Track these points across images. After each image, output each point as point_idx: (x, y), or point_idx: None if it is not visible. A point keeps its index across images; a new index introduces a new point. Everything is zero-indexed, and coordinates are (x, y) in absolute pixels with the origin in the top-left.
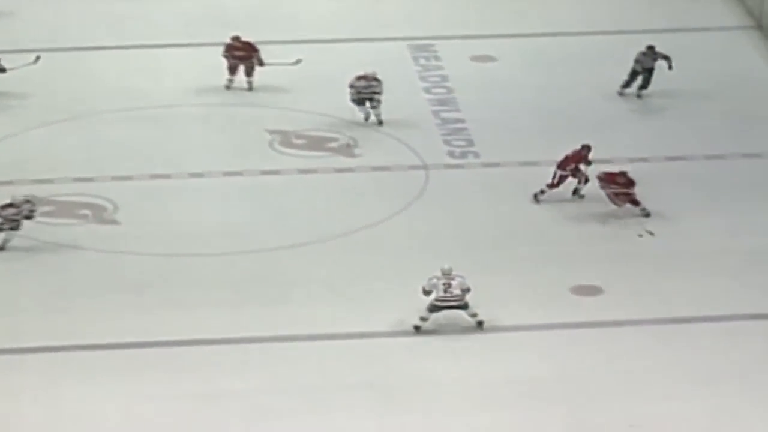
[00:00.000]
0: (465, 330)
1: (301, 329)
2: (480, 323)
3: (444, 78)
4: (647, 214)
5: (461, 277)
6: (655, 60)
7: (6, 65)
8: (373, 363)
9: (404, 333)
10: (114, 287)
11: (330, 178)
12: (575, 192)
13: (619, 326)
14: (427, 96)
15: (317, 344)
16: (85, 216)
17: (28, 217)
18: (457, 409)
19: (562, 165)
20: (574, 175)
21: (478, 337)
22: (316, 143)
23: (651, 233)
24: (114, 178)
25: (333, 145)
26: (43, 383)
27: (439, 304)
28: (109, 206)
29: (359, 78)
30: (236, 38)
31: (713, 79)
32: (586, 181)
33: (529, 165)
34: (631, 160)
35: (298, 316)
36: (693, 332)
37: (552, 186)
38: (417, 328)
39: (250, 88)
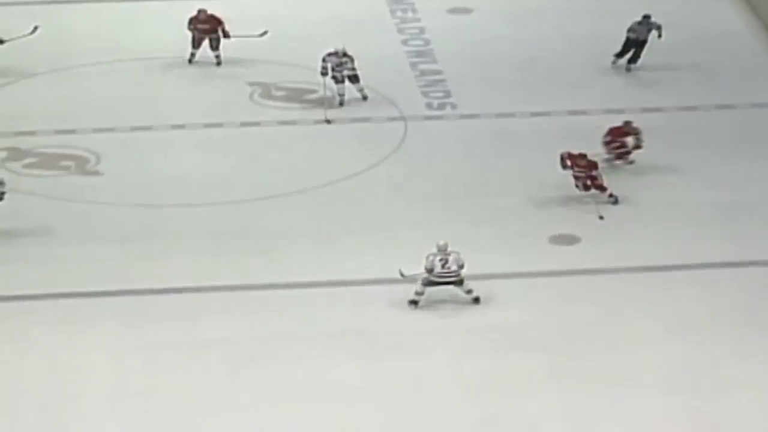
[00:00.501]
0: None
1: (284, 278)
2: (476, 299)
3: (421, 30)
4: (615, 201)
5: (456, 252)
6: (649, 31)
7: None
8: (356, 311)
9: (385, 281)
10: (97, 237)
11: (310, 129)
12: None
13: (597, 274)
14: (405, 48)
15: (300, 292)
16: (68, 167)
17: None
18: (439, 356)
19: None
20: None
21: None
22: (296, 95)
23: (601, 217)
24: (96, 130)
25: (312, 96)
26: (26, 332)
27: (436, 279)
28: (92, 158)
29: (330, 54)
30: (202, 11)
31: (687, 32)
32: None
33: (505, 116)
34: (607, 112)
35: (281, 265)
36: (667, 280)
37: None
38: (414, 303)
39: (219, 63)
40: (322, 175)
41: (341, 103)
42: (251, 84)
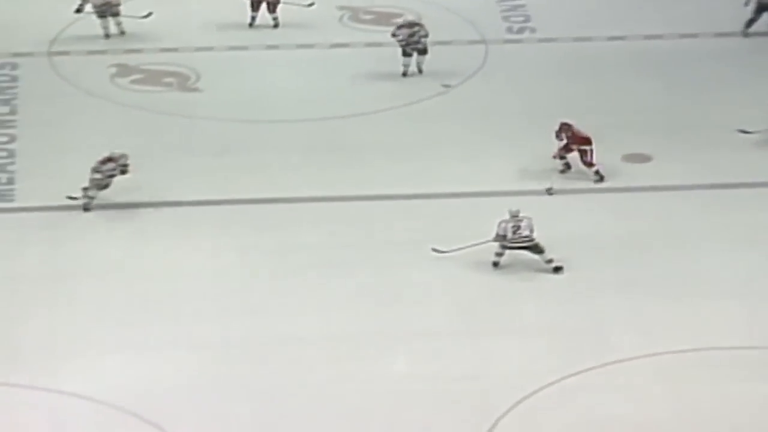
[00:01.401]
0: (514, 193)
1: (370, 190)
2: (557, 268)
3: None
4: (600, 178)
5: (528, 218)
6: None
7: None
8: (437, 222)
9: (463, 194)
10: (196, 151)
11: (395, 51)
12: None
13: (667, 191)
14: None
15: (384, 204)
16: (170, 84)
17: (123, 172)
18: (517, 262)
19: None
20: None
21: (535, 199)
22: (383, 18)
23: (551, 192)
24: (196, 49)
25: (398, 20)
26: (132, 237)
27: (510, 245)
28: (192, 75)
29: (400, 27)
30: None
31: None
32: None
33: (583, 40)
34: (681, 36)
35: (366, 178)
36: (736, 197)
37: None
38: (495, 264)
39: (276, 26)
40: (406, 94)
41: (405, 74)
42: (341, 8)
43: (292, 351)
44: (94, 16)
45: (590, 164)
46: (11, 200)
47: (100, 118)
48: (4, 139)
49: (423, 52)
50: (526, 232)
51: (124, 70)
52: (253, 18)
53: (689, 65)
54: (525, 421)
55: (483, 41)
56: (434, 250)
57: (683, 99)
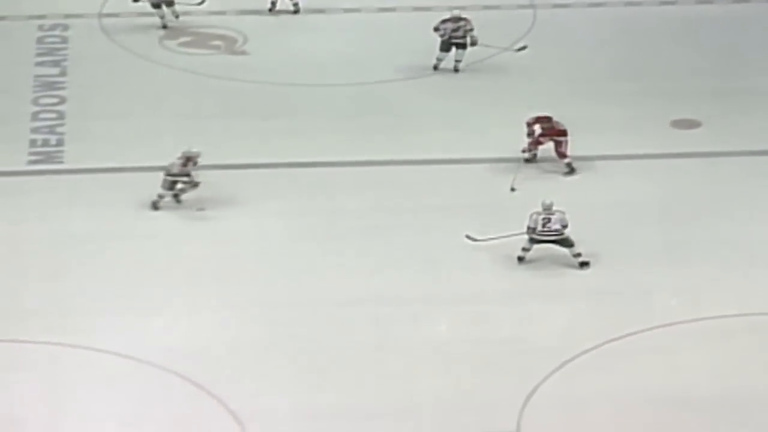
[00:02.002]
0: (573, 157)
1: (414, 154)
2: (584, 263)
3: None
4: (571, 171)
5: (561, 212)
6: None
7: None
8: (480, 187)
9: (507, 160)
10: (241, 114)
11: (442, 16)
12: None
13: (715, 157)
14: None
15: (428, 168)
16: (217, 47)
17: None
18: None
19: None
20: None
21: (583, 164)
22: None
23: (513, 189)
24: (243, 12)
25: (445, 15)
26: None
27: (538, 237)
28: (239, 38)
29: (445, 21)
30: None
31: None
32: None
33: (633, 5)
34: (733, 2)
35: (412, 142)
36: None
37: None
38: (520, 259)
39: (296, 11)
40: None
41: (436, 67)
42: None
43: (334, 313)
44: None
45: (564, 155)
46: (60, 162)
47: (148, 81)
48: (54, 100)
49: (463, 46)
50: (556, 226)
51: (172, 32)
52: (273, 4)
53: (739, 30)
54: (566, 385)
55: (531, 6)
56: (468, 237)
57: (733, 64)
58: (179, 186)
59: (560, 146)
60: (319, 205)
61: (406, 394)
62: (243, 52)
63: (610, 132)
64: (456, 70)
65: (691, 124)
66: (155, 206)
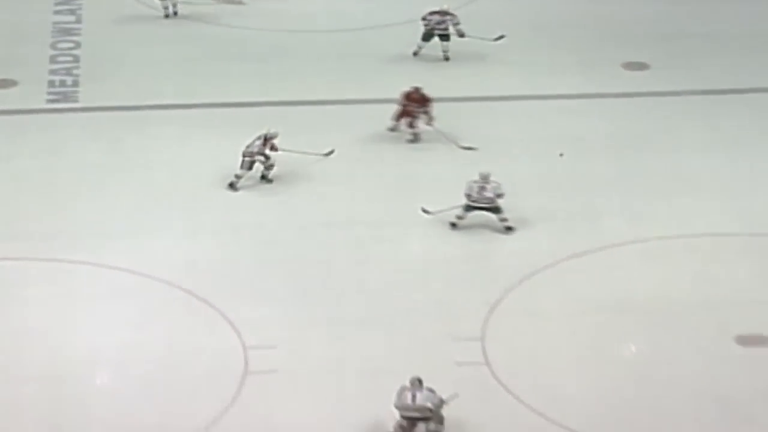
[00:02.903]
0: (526, 97)
1: (394, 94)
2: (509, 228)
3: None
4: (414, 138)
5: (497, 182)
6: None
7: None
8: (453, 123)
9: (471, 99)
10: (239, 57)
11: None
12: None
13: (662, 96)
14: None
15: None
16: None
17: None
18: (524, 160)
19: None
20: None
21: (537, 104)
22: None
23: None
24: None
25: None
26: (181, 135)
27: (472, 204)
28: None
29: (432, 13)
30: None
31: None
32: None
33: None
34: None
35: (393, 83)
36: (723, 102)
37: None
38: (453, 225)
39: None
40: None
41: (415, 53)
42: None
43: (319, 234)
44: None
45: (412, 124)
46: (75, 101)
47: (155, 28)
48: (70, 45)
49: (447, 38)
50: (490, 194)
51: None
52: None
53: None
54: (525, 297)
55: None
56: (423, 210)
57: (678, 12)
58: (258, 166)
59: (415, 116)
60: (307, 141)
61: (383, 304)
62: (240, 2)
63: (565, 74)
64: (446, 59)
65: (641, 67)
66: (233, 187)
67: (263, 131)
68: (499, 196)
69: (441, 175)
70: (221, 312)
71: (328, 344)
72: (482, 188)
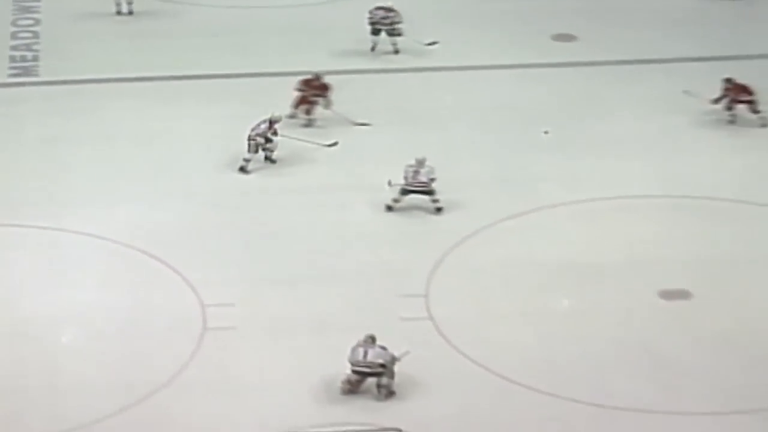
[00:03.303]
0: (461, 68)
1: (340, 66)
2: (438, 209)
3: None
4: (308, 123)
5: (431, 167)
6: None
7: None
8: (392, 93)
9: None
10: (195, 32)
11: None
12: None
13: (590, 66)
14: None
15: (355, 77)
16: None
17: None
18: (459, 128)
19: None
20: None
21: (474, 74)
22: None
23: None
24: None
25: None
26: (136, 107)
27: (407, 188)
28: None
29: (378, 8)
30: None
31: None
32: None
33: None
34: None
35: (342, 55)
36: (646, 71)
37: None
38: (389, 208)
39: None
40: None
41: (372, 49)
42: None
43: (273, 200)
44: None
45: (309, 111)
46: (36, 75)
47: (113, 5)
48: (30, 21)
49: (392, 34)
50: (423, 178)
51: None
52: None
53: None
54: (467, 256)
55: None
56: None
57: None
58: (264, 148)
59: (310, 103)
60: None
61: (333, 264)
62: None
63: (497, 47)
64: (396, 52)
65: (569, 38)
66: (244, 170)
67: (268, 115)
68: (432, 180)
69: (383, 145)
70: (180, 273)
71: (283, 302)
72: (416, 172)
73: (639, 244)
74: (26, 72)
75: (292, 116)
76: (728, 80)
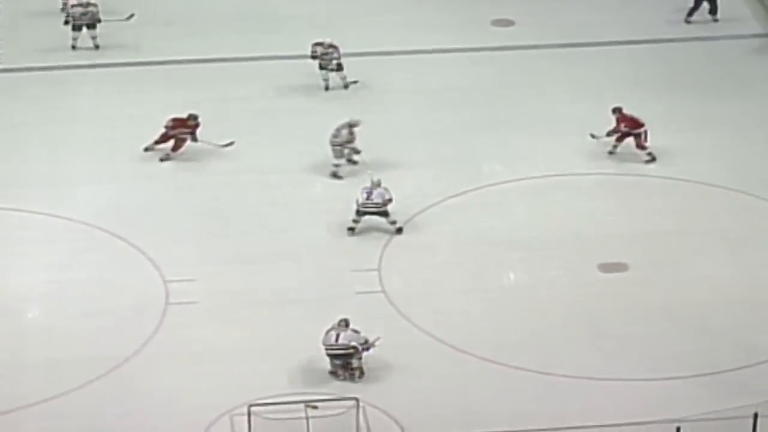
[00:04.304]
0: (405, 52)
1: (290, 51)
2: (399, 230)
3: None
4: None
5: (385, 189)
6: None
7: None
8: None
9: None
10: (147, 22)
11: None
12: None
13: (529, 49)
14: None
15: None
16: None
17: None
18: (408, 108)
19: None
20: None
21: (416, 57)
22: None
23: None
24: None
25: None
26: (96, 92)
27: (361, 209)
28: None
29: (316, 44)
30: None
31: None
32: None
33: None
34: None
35: (290, 38)
36: (584, 54)
37: (157, 143)
38: (351, 230)
39: None
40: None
41: (326, 88)
42: None
43: (228, 180)
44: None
45: (178, 147)
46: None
47: None
48: None
49: (335, 69)
50: (378, 200)
51: None
52: None
53: None
54: (415, 232)
55: None
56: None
57: None
58: (346, 152)
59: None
60: (217, 94)
61: (290, 241)
62: None
63: (439, 31)
64: (345, 87)
65: (507, 23)
66: (336, 176)
67: (346, 119)
68: (388, 201)
69: (332, 126)
70: (141, 250)
71: (242, 278)
72: (370, 194)
73: (578, 219)
74: None
75: (147, 149)
76: (617, 110)
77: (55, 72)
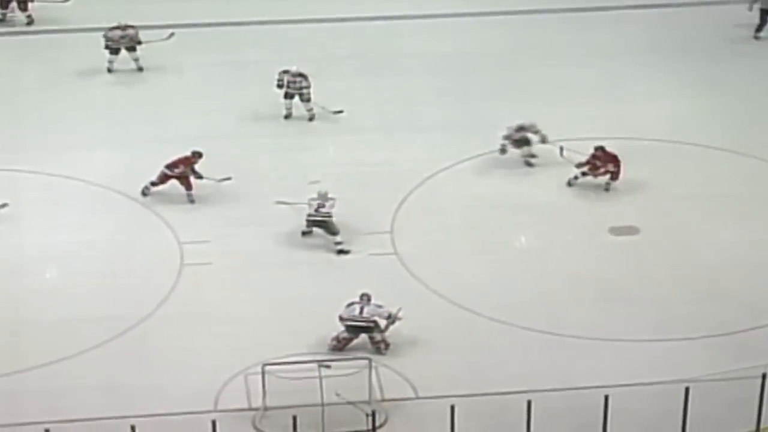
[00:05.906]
0: (424, 16)
1: (305, 15)
2: (342, 251)
3: None
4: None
5: (333, 199)
6: None
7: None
8: (341, 43)
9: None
10: None
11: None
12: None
13: (534, 14)
14: None
15: (318, 26)
16: None
17: None
18: (419, 74)
19: (170, 166)
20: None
21: (436, 22)
22: None
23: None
24: None
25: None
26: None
27: (309, 219)
28: None
29: (284, 71)
30: None
31: None
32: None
33: None
34: None
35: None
36: (595, 19)
37: (155, 184)
38: (304, 233)
39: None
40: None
41: (287, 116)
42: None
43: (243, 143)
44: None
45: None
46: (12, 25)
47: None
48: None
49: (303, 100)
50: (328, 211)
51: None
52: None
53: None
54: (428, 195)
55: None
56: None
57: None
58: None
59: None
60: (229, 59)
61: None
62: None
63: None
64: (311, 119)
65: None
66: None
67: (519, 122)
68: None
69: (348, 86)
70: (156, 213)
71: (255, 239)
72: (321, 206)
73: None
74: (3, 23)
75: (145, 194)
76: (600, 148)
77: (71, 35)
